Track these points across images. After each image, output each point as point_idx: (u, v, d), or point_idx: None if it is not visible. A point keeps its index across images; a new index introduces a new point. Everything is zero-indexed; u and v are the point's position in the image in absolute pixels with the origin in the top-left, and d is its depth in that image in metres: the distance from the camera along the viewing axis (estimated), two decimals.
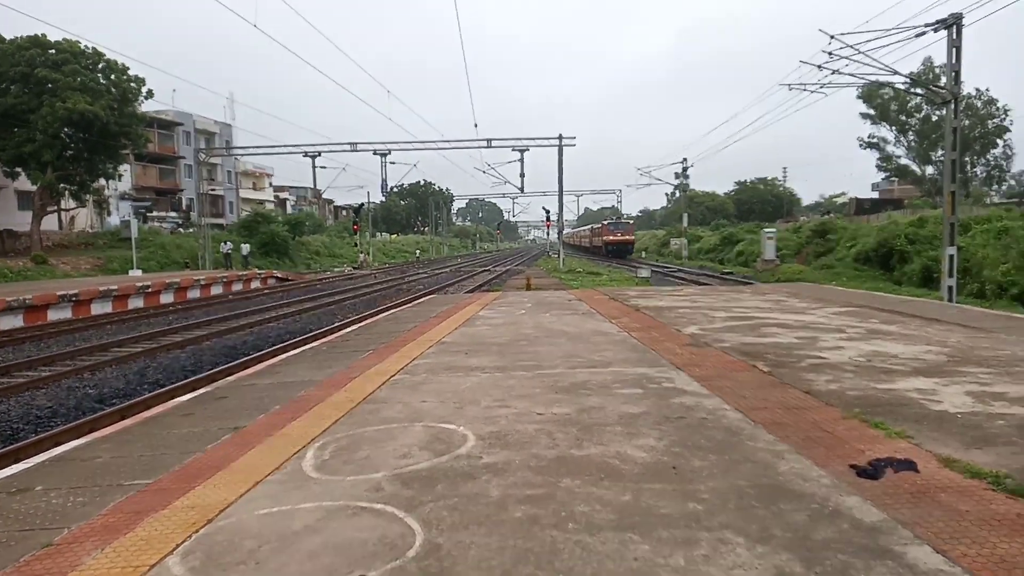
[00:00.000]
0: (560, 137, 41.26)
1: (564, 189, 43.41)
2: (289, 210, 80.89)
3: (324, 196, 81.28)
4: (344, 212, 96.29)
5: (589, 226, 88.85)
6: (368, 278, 38.65)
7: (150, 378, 11.75)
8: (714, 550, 2.93)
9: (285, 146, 41.98)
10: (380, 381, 6.76)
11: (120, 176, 42.31)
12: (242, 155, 54.02)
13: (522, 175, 43.36)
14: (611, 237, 62.21)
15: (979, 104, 52.20)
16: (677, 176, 64.97)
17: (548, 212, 52.84)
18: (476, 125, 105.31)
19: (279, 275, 38.92)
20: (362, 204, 66.94)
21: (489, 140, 41.22)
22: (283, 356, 9.64)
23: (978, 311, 11.82)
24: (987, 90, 52.42)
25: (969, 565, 2.73)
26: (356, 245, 58.68)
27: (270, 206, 73.71)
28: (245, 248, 43.14)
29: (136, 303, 24.39)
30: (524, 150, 41.62)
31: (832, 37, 19.47)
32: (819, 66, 20.32)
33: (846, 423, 4.78)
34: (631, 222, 68.27)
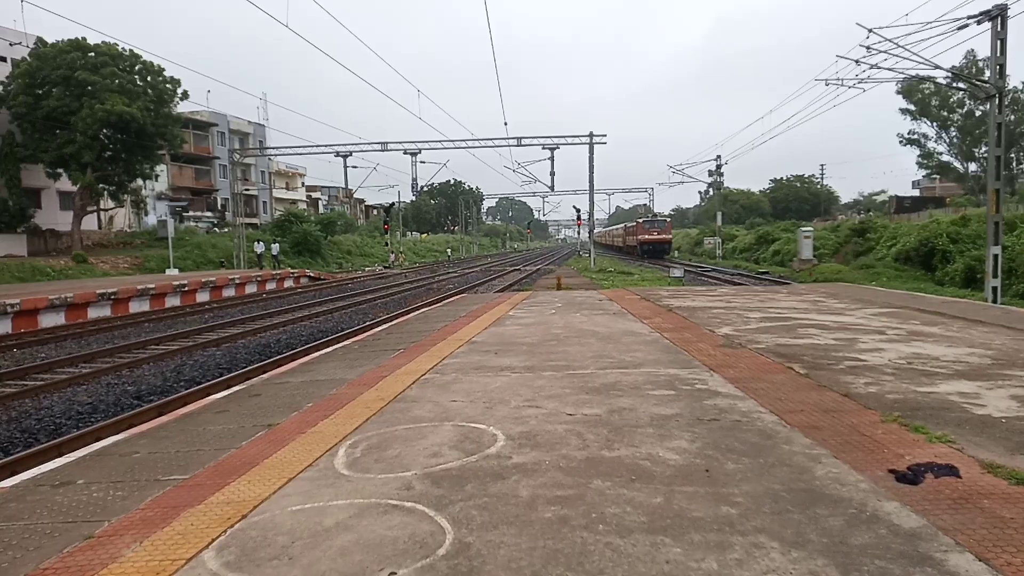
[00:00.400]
0: (591, 135, 41.07)
1: (595, 187, 43.17)
2: (321, 210, 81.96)
3: (355, 196, 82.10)
4: (375, 211, 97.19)
5: (622, 224, 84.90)
6: (398, 277, 38.95)
7: (186, 375, 11.98)
8: (748, 554, 2.88)
9: (317, 146, 42.48)
10: (410, 380, 6.79)
11: (157, 176, 43.28)
12: (275, 155, 54.79)
13: (552, 173, 43.24)
14: (646, 236, 57.78)
15: (1022, 98, 50.68)
16: (710, 174, 63.63)
17: (579, 211, 53.19)
18: (506, 124, 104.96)
19: (311, 274, 39.43)
20: (392, 203, 67.57)
21: (519, 139, 41.22)
22: (315, 354, 9.76)
23: (1021, 312, 11.47)
24: None
25: (1013, 574, 2.64)
26: (387, 244, 59.12)
27: (302, 206, 74.72)
28: (275, 248, 43.91)
29: (173, 301, 24.92)
30: (554, 148, 41.50)
31: (870, 31, 19.11)
32: (856, 61, 19.96)
33: (885, 427, 4.67)
34: (668, 219, 61.68)
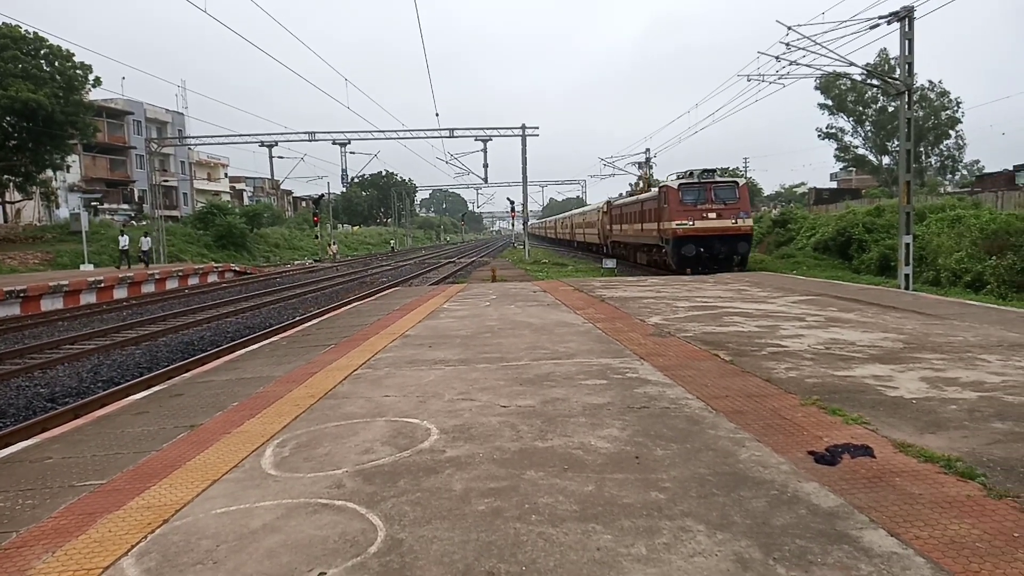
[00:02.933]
0: (523, 127, 41.18)
1: (528, 179, 43.33)
2: (246, 201, 79.38)
3: (282, 187, 79.98)
4: (304, 203, 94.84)
5: (580, 210, 59.05)
6: (330, 271, 38.17)
7: (104, 376, 11.41)
8: (675, 538, 2.96)
9: (241, 135, 41.15)
10: (341, 376, 6.67)
11: (68, 167, 41.06)
12: (196, 145, 52.92)
13: (485, 165, 43.20)
14: (691, 223, 24.62)
15: (932, 96, 53.74)
16: (640, 166, 64.97)
17: (512, 203, 52.84)
18: (437, 115, 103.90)
19: (237, 268, 38.21)
20: (322, 195, 65.82)
21: (451, 130, 41.00)
22: (241, 351, 9.46)
23: (933, 298, 12.17)
24: (940, 82, 54.11)
25: (921, 547, 2.80)
26: (317, 237, 57.78)
27: (226, 197, 72.13)
28: (146, 242, 34.95)
29: (88, 298, 23.68)
30: (487, 140, 41.49)
31: (789, 28, 19.79)
32: (777, 57, 20.63)
33: (805, 410, 4.87)
34: (740, 182, 26.97)
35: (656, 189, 28.94)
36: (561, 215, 76.90)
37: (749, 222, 25.13)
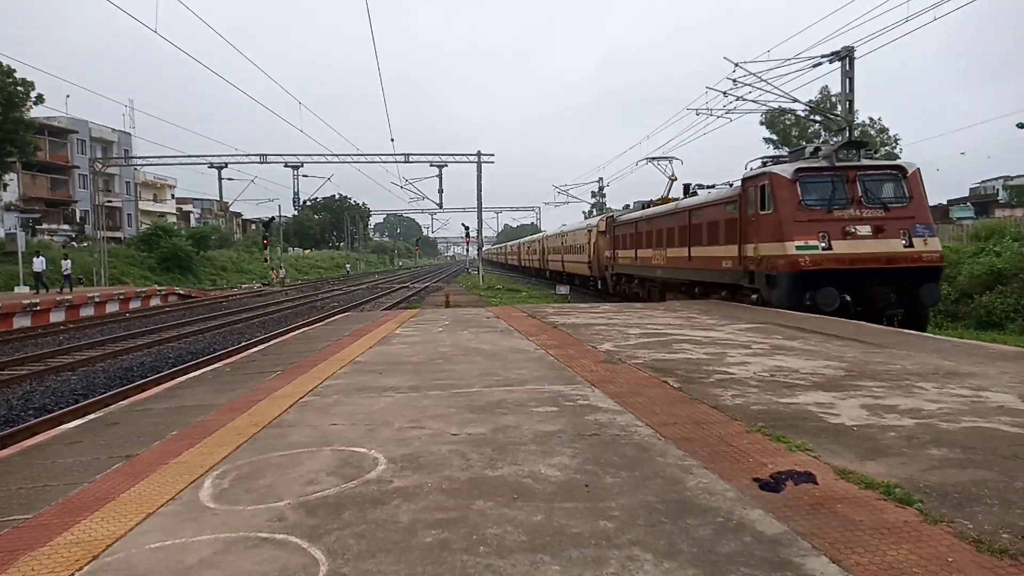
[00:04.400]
0: (479, 154, 41.50)
1: (484, 205, 43.57)
2: (193, 223, 77.62)
3: (232, 209, 78.49)
4: (253, 226, 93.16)
5: (555, 231, 47.42)
6: (278, 295, 37.46)
7: (36, 403, 10.91)
8: (623, 568, 2.95)
9: (189, 156, 40.36)
10: (287, 404, 6.50)
11: (5, 186, 39.44)
12: (142, 165, 51.51)
13: (440, 191, 43.32)
14: (823, 245, 13.83)
15: (872, 132, 56.15)
16: (594, 195, 65.88)
17: (467, 228, 52.92)
18: (392, 140, 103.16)
19: (181, 292, 37.19)
20: (272, 217, 64.83)
21: (407, 155, 41.01)
22: (183, 378, 9.16)
23: (872, 327, 12.55)
24: (879, 119, 56.56)
25: (861, 573, 2.85)
26: (266, 260, 56.69)
27: (172, 219, 70.41)
28: (66, 265, 32.66)
29: (23, 322, 22.71)
30: (443, 166, 41.63)
31: (736, 65, 20.52)
32: (724, 92, 21.33)
33: (750, 437, 4.95)
34: (908, 170, 14.66)
35: (737, 183, 16.69)
36: (527, 238, 67.57)
37: (935, 243, 14.16)
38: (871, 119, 56.06)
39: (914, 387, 6.56)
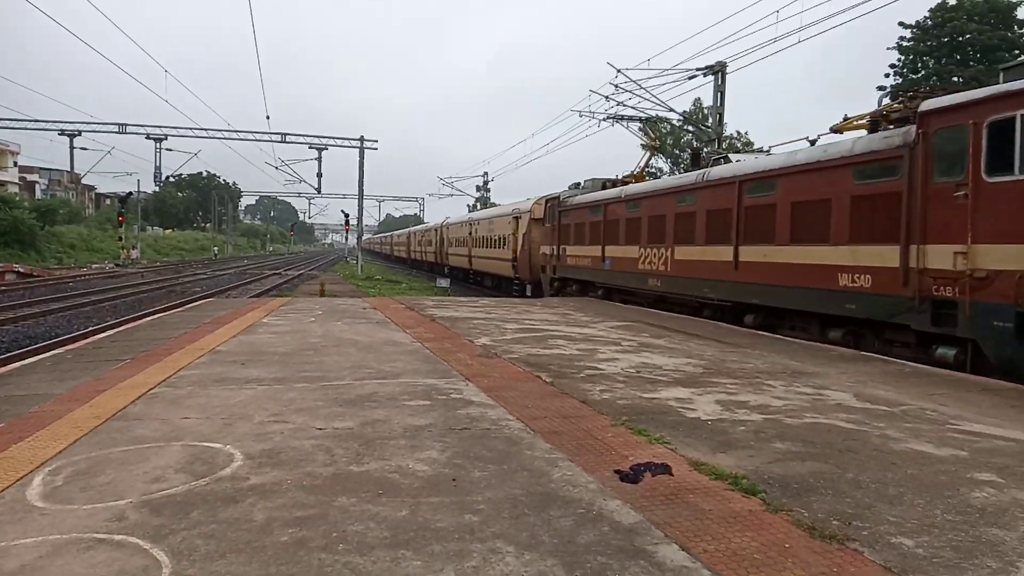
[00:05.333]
0: (362, 139, 40.53)
1: (365, 193, 42.56)
2: (39, 195, 70.54)
3: (84, 181, 72.01)
4: (108, 201, 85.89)
5: (461, 217, 40.82)
6: (134, 277, 34.80)
7: None
8: (485, 561, 2.95)
9: (36, 121, 36.67)
10: (135, 395, 6.02)
11: None
12: None
13: (320, 175, 41.96)
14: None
15: (739, 144, 60.05)
16: (479, 188, 65.98)
17: (347, 216, 51.24)
18: (268, 117, 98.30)
19: (21, 269, 33.67)
20: (130, 193, 59.80)
21: (284, 135, 39.41)
22: (15, 365, 8.29)
23: (728, 327, 13.39)
24: (746, 132, 60.63)
25: (708, 560, 3.01)
26: (121, 239, 52.40)
27: (13, 189, 63.57)
28: None
29: None
30: (323, 149, 40.37)
31: (619, 71, 21.26)
32: (606, 97, 22.03)
33: (614, 430, 5.12)
34: None
35: (895, 132, 9.46)
36: (420, 227, 60.84)
37: None
38: (738, 132, 60.02)
39: (764, 384, 7.05)
